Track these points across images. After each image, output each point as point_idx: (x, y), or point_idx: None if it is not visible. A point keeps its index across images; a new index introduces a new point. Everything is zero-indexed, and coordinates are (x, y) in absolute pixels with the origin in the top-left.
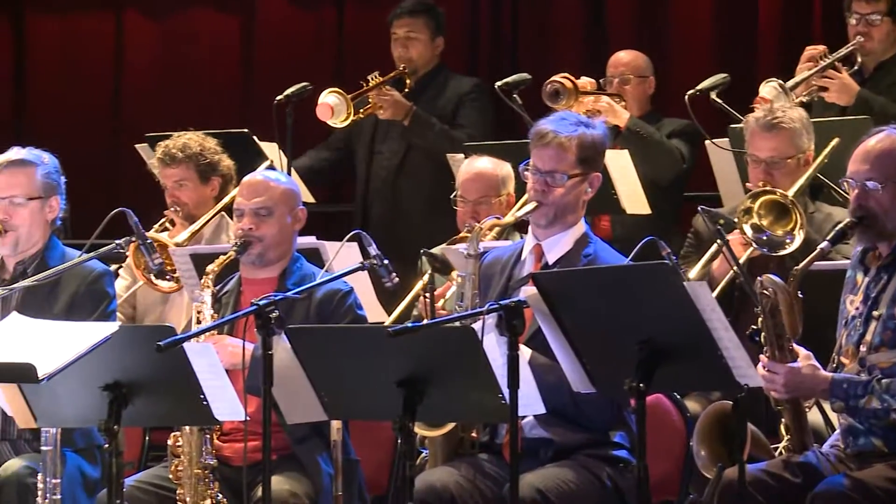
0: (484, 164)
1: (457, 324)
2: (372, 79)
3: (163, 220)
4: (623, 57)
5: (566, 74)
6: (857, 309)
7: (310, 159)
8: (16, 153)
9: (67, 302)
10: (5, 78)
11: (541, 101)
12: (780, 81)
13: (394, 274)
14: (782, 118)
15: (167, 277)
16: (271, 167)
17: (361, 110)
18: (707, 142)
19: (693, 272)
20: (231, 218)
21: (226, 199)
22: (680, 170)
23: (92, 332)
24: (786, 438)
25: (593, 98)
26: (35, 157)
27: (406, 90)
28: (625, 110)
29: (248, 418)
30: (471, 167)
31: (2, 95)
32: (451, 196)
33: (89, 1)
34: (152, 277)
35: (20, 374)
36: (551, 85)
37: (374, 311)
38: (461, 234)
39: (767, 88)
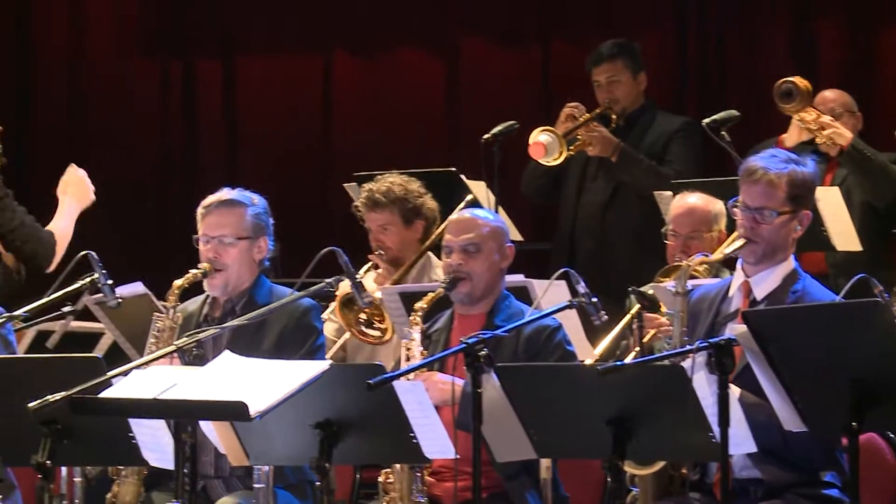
0: (696, 199)
1: (666, 362)
2: (578, 114)
3: (368, 264)
4: (829, 94)
5: (801, 77)
6: None
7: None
8: (227, 194)
9: (276, 338)
10: (217, 119)
11: (749, 138)
12: None
13: (602, 312)
14: None
15: (374, 326)
16: (475, 203)
17: (571, 147)
18: None
19: None
20: (436, 257)
21: (429, 242)
22: None
23: (303, 370)
24: None
25: (816, 114)
26: (245, 198)
27: (612, 126)
28: (847, 130)
29: (457, 456)
30: (683, 202)
31: (214, 136)
32: (662, 230)
33: (299, 41)
34: (362, 328)
35: (233, 413)
36: (785, 84)
37: (583, 349)
38: (671, 265)
39: None
